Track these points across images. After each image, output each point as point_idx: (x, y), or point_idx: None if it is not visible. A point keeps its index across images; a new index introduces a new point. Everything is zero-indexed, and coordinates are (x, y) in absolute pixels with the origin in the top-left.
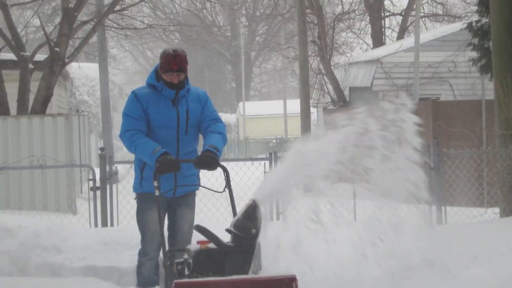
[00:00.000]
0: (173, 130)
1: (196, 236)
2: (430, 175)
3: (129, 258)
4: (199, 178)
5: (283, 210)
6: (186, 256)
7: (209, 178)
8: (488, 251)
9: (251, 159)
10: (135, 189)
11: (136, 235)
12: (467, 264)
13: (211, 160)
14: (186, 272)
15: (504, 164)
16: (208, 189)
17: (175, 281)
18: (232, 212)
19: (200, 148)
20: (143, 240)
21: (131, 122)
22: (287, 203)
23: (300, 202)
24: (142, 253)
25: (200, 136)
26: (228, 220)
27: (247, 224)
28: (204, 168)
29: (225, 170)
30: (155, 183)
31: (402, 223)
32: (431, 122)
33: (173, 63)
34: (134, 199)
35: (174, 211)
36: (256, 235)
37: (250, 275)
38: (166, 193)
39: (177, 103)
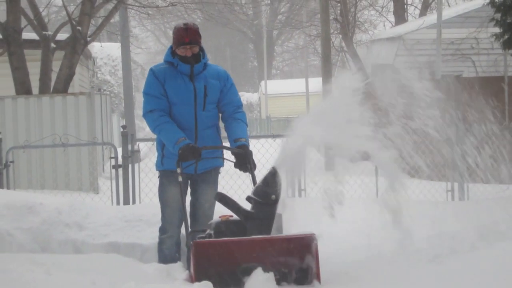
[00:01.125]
0: (190, 106)
1: (218, 213)
2: (453, 151)
3: (150, 235)
4: (222, 155)
5: (305, 187)
6: (208, 230)
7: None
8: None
9: (273, 136)
10: (157, 167)
11: (158, 212)
12: (490, 238)
13: (252, 161)
14: None
15: None
16: (231, 161)
17: (193, 241)
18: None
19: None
20: (163, 218)
21: (153, 101)
22: (309, 181)
23: (323, 179)
24: (162, 231)
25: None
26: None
27: (267, 190)
28: (243, 169)
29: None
30: (178, 170)
31: (424, 199)
32: (453, 98)
33: (185, 36)
34: (158, 177)
35: (196, 188)
36: (276, 201)
37: (268, 235)
38: (186, 168)
39: (194, 78)
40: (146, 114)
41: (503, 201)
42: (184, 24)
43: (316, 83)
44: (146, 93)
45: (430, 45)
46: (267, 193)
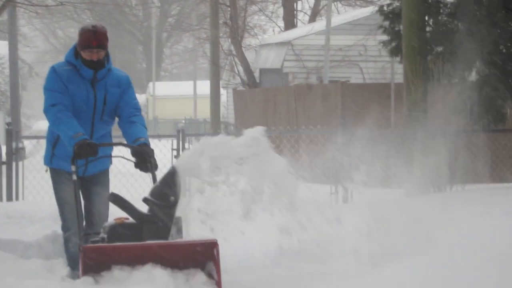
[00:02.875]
0: (88, 114)
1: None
2: (336, 155)
3: (33, 232)
4: (110, 160)
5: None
6: (101, 233)
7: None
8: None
9: (159, 136)
10: (45, 162)
11: (40, 209)
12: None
13: (153, 160)
14: None
15: (410, 146)
16: (128, 159)
17: (82, 245)
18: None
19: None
20: (62, 215)
21: (55, 95)
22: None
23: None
24: (64, 229)
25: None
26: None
27: (166, 191)
28: (143, 169)
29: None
30: (73, 168)
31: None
32: (340, 104)
33: (93, 39)
34: (46, 171)
35: (87, 190)
36: (175, 203)
37: (165, 241)
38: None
39: (96, 85)
40: (48, 109)
41: (386, 203)
42: (93, 27)
43: (204, 85)
44: (48, 89)
45: (319, 51)
46: (165, 195)
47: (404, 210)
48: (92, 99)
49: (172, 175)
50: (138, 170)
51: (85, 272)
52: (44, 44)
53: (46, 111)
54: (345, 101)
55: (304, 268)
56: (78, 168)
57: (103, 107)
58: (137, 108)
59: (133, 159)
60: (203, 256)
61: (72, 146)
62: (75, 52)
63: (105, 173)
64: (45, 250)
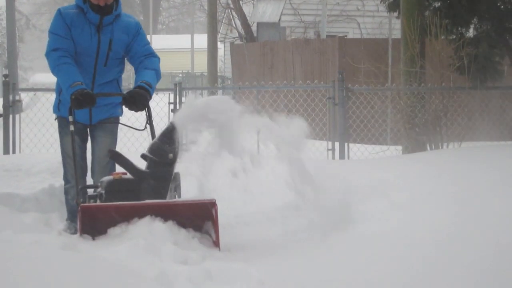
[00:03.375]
0: (91, 58)
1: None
2: (334, 111)
3: (30, 185)
4: (121, 107)
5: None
6: (99, 189)
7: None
8: (385, 185)
9: (156, 90)
10: (54, 110)
11: (37, 162)
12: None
13: (141, 99)
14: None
15: (408, 102)
16: (129, 126)
17: (81, 205)
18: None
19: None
20: (64, 167)
21: (58, 40)
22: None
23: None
24: (65, 180)
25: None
26: (139, 151)
27: (164, 148)
28: (133, 107)
29: (148, 108)
30: (70, 118)
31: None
32: (337, 59)
33: None
34: (54, 119)
35: (94, 138)
36: (173, 160)
37: (164, 200)
38: (80, 119)
39: (101, 30)
40: (49, 53)
41: (383, 161)
42: None
43: (201, 39)
44: (52, 32)
45: (316, 5)
46: (164, 151)
47: (400, 168)
48: (95, 44)
49: (170, 131)
50: (141, 124)
51: (83, 231)
52: None
53: (47, 55)
54: (342, 56)
55: (301, 224)
56: (75, 117)
57: (107, 52)
58: (147, 54)
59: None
60: (201, 215)
61: (70, 95)
62: None
63: (112, 120)
64: (42, 203)
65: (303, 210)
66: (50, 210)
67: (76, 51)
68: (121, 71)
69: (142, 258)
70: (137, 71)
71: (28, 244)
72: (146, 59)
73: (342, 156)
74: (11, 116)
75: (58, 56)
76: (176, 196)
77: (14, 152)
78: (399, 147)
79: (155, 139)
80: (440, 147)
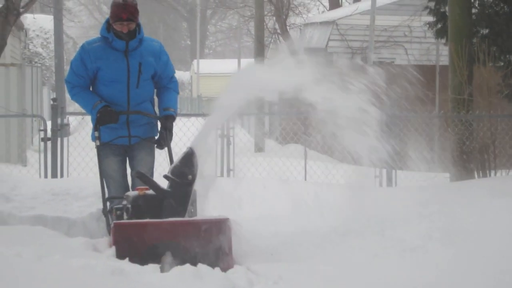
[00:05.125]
0: (123, 84)
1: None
2: (382, 138)
3: (78, 209)
4: (156, 127)
5: (234, 168)
6: (125, 202)
7: None
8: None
9: (203, 115)
10: (92, 138)
11: (85, 186)
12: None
13: (170, 138)
14: (125, 217)
15: (455, 129)
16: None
17: (114, 222)
18: (169, 160)
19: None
20: (107, 188)
21: (71, 74)
22: (238, 161)
23: (251, 160)
24: (110, 201)
25: None
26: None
27: (184, 170)
28: (158, 145)
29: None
30: (96, 134)
31: (350, 184)
32: (385, 85)
33: (123, 12)
34: (96, 147)
35: (133, 157)
36: (192, 181)
37: (184, 218)
38: (116, 139)
39: (129, 55)
40: (66, 82)
41: (430, 188)
42: (123, 0)
43: (248, 64)
44: (71, 64)
45: (363, 31)
46: (184, 173)
47: (447, 196)
48: (125, 69)
49: (190, 155)
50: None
51: (116, 244)
52: (88, 19)
53: (65, 82)
54: (389, 83)
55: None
56: (116, 138)
57: (138, 75)
58: (172, 76)
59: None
60: (216, 232)
61: (95, 114)
62: (108, 25)
63: (150, 140)
64: (90, 228)
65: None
66: (98, 234)
67: (108, 79)
68: (152, 90)
69: (190, 284)
70: (163, 90)
71: (77, 269)
72: (171, 82)
73: (389, 183)
74: (59, 140)
75: (71, 87)
76: (192, 210)
77: (62, 176)
78: (447, 175)
79: (176, 162)
80: (488, 175)
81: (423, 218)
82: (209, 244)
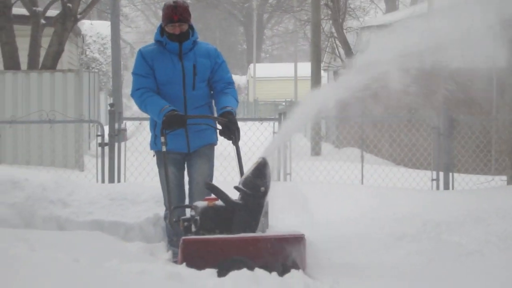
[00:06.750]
0: (179, 86)
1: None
2: (439, 141)
3: (135, 214)
4: (216, 132)
5: (291, 172)
6: (193, 213)
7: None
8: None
9: (260, 119)
10: (151, 146)
11: (142, 191)
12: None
13: (235, 126)
14: (193, 229)
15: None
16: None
17: (182, 237)
18: (239, 171)
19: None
20: (164, 195)
21: (140, 80)
22: (295, 165)
23: (308, 164)
24: (165, 207)
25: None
26: (235, 180)
27: (256, 182)
28: (230, 136)
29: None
30: (162, 139)
31: (408, 188)
32: (441, 88)
33: (174, 13)
34: (153, 156)
35: (191, 165)
36: (265, 193)
37: (258, 233)
38: (175, 147)
39: (183, 57)
40: (134, 93)
41: (487, 191)
42: (174, 2)
43: (305, 67)
44: (134, 73)
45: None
46: (256, 185)
47: (504, 199)
48: (179, 71)
49: (262, 166)
50: (229, 154)
51: (184, 261)
52: (145, 24)
53: (132, 95)
54: (446, 85)
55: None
56: (174, 148)
57: (193, 77)
58: (230, 82)
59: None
60: (291, 248)
61: (161, 119)
62: (161, 30)
63: (209, 147)
64: (147, 233)
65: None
66: (155, 239)
67: (163, 82)
68: (209, 94)
69: None
70: (220, 95)
71: (134, 274)
72: (229, 88)
73: (446, 187)
74: (116, 145)
75: (141, 93)
76: (264, 222)
77: (119, 180)
78: (504, 178)
79: (247, 173)
80: None
81: (479, 222)
82: (282, 260)
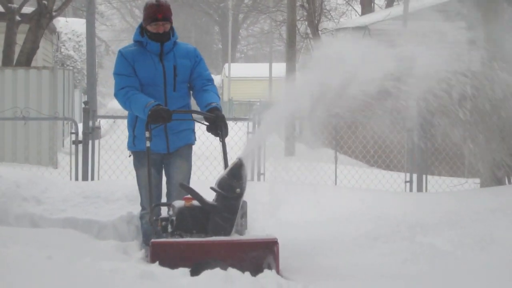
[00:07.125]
0: (160, 87)
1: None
2: (413, 143)
3: (108, 212)
4: (194, 133)
5: (265, 172)
6: (171, 212)
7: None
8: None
9: (235, 119)
10: (129, 147)
11: (116, 189)
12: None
13: (223, 121)
14: (169, 229)
15: (486, 135)
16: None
17: (152, 240)
18: (224, 167)
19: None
20: (140, 196)
21: (123, 79)
22: (269, 165)
23: (282, 164)
24: (141, 207)
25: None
26: (209, 180)
27: (232, 183)
28: (213, 131)
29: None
30: (147, 134)
31: (381, 189)
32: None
33: (157, 12)
34: (129, 156)
35: (169, 164)
36: (240, 195)
37: (230, 237)
38: (154, 147)
39: (164, 58)
40: (118, 92)
41: (461, 194)
42: (156, 0)
43: (279, 68)
44: (116, 74)
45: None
46: (231, 186)
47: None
48: (160, 72)
49: (238, 167)
50: (211, 153)
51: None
52: (121, 23)
53: (116, 95)
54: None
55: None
56: (152, 135)
57: (174, 78)
58: (209, 79)
59: (206, 123)
60: (264, 252)
61: (147, 113)
62: (141, 30)
63: (188, 147)
64: (120, 231)
65: (378, 241)
66: (128, 237)
67: (144, 83)
68: (189, 96)
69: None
70: (201, 92)
71: (107, 272)
72: (209, 84)
73: (420, 189)
74: (90, 142)
75: (126, 92)
76: (243, 223)
77: (92, 178)
78: (477, 180)
79: (223, 174)
80: None
81: (453, 224)
82: (253, 264)
